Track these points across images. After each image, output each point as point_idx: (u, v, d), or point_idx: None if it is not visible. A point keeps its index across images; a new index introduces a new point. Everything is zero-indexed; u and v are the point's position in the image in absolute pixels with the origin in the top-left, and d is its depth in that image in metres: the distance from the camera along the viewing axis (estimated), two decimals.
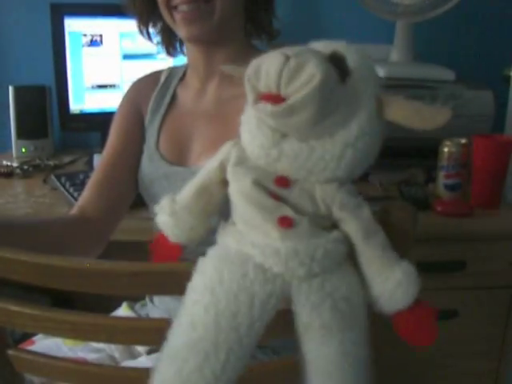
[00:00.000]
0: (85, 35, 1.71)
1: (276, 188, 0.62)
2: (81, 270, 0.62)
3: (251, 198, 0.62)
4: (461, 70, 1.64)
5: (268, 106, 0.59)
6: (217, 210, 0.71)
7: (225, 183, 0.68)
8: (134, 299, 1.28)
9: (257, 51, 0.66)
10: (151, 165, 1.12)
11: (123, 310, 1.24)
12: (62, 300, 1.50)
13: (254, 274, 0.58)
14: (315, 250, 0.59)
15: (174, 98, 1.18)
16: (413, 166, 1.55)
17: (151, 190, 1.12)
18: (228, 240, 0.63)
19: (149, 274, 0.62)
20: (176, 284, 0.61)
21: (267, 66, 0.59)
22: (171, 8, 1.03)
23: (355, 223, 0.62)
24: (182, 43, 1.17)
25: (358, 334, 0.63)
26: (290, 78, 0.57)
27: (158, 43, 1.21)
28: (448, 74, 1.57)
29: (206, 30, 1.01)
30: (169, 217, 0.70)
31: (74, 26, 1.70)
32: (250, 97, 0.61)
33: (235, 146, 0.67)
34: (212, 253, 0.62)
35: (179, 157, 1.10)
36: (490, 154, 1.37)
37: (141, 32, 1.18)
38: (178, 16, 1.02)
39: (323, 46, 0.65)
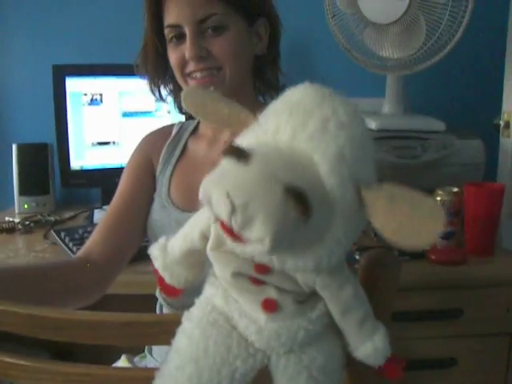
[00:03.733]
0: (85, 94, 1.77)
1: (256, 274, 0.61)
2: (72, 321, 0.63)
3: (233, 285, 0.63)
4: (451, 120, 1.68)
5: (228, 238, 0.56)
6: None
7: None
8: (132, 352, 1.29)
9: (262, 105, 0.67)
10: (163, 211, 1.15)
11: (122, 363, 1.25)
12: (60, 355, 1.51)
13: (238, 349, 0.60)
14: (297, 333, 0.61)
15: (185, 149, 1.22)
16: None
17: (162, 237, 1.14)
18: (217, 297, 0.64)
19: (138, 324, 0.63)
20: (165, 334, 0.62)
21: (216, 206, 0.53)
22: (186, 75, 1.09)
23: (334, 302, 0.63)
24: None
25: None
26: (241, 230, 0.52)
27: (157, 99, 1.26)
28: (438, 125, 1.60)
29: None
30: (163, 270, 0.72)
31: (75, 86, 1.77)
32: (211, 215, 0.57)
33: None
34: (199, 314, 0.63)
35: (191, 204, 1.12)
36: (481, 202, 1.39)
37: (152, 93, 1.23)
38: (191, 82, 1.09)
39: (292, 136, 0.58)
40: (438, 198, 1.40)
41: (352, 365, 0.67)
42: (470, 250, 1.40)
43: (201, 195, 0.55)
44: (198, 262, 0.71)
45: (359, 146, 0.59)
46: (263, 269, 0.61)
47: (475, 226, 1.40)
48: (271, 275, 0.61)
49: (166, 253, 0.72)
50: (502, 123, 1.58)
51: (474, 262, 1.37)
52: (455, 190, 1.41)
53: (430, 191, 1.41)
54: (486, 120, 1.66)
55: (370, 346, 0.64)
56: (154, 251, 0.73)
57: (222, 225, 0.55)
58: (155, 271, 0.73)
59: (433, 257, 1.36)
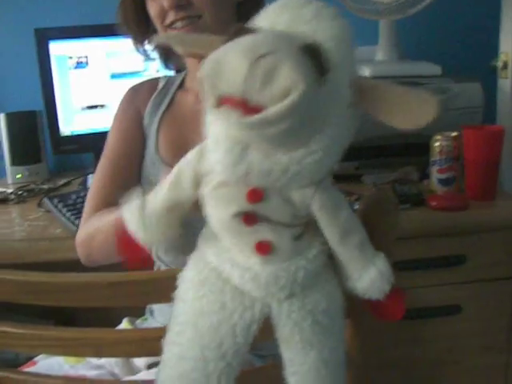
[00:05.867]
0: (70, 58, 1.72)
1: (250, 205, 0.58)
2: (61, 284, 0.61)
3: (228, 228, 0.60)
4: (448, 64, 1.64)
5: (234, 114, 0.51)
6: (187, 219, 0.67)
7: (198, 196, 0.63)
8: (134, 315, 1.28)
9: None
10: (153, 168, 1.12)
11: (124, 327, 1.24)
12: (64, 323, 1.50)
13: (232, 304, 0.58)
14: (296, 273, 0.59)
15: (172, 102, 1.18)
16: (406, 163, 1.54)
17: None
18: (208, 252, 0.62)
19: (127, 283, 0.61)
20: (158, 292, 0.61)
21: (232, 67, 0.50)
22: (166, 27, 1.05)
23: (332, 226, 0.60)
24: (178, 55, 1.18)
25: (337, 339, 0.63)
26: (263, 85, 0.49)
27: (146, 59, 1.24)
28: (434, 69, 1.56)
29: None
30: (137, 228, 0.66)
31: (60, 50, 1.72)
32: (210, 98, 0.52)
33: (201, 158, 0.63)
34: (191, 274, 0.61)
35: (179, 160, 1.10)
36: (481, 145, 1.36)
37: (137, 50, 1.20)
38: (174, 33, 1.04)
39: (290, 22, 0.57)
40: (437, 144, 1.37)
41: (353, 313, 0.65)
42: (471, 195, 1.38)
43: (206, 68, 0.53)
44: (177, 221, 0.66)
45: (351, 38, 0.59)
46: (257, 195, 0.57)
47: (475, 170, 1.37)
48: (265, 202, 0.58)
49: (144, 208, 0.67)
50: (499, 64, 1.55)
51: (475, 207, 1.34)
52: (454, 134, 1.38)
53: (429, 137, 1.38)
54: (483, 62, 1.62)
55: (373, 270, 0.62)
56: (131, 205, 0.68)
57: (229, 100, 0.51)
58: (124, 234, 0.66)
59: (433, 203, 1.33)
